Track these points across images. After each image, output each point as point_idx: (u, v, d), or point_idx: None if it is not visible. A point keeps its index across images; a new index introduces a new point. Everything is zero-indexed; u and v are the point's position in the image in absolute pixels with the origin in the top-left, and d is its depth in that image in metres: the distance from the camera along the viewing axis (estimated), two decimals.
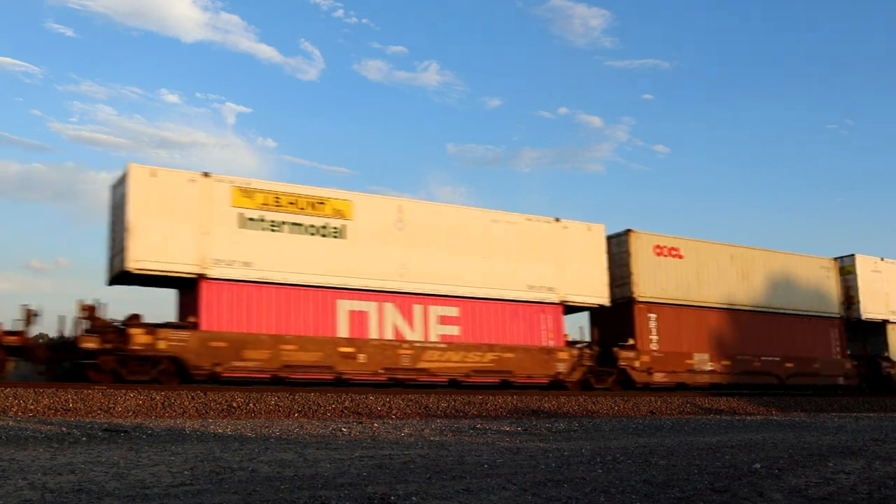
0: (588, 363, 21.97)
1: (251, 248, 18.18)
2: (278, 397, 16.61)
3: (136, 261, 17.05)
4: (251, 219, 18.31)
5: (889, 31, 69.48)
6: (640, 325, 23.10)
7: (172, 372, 17.31)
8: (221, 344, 17.41)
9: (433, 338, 20.02)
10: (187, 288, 18.35)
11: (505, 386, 20.59)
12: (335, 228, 19.19)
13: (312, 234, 18.91)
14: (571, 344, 22.18)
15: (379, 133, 72.20)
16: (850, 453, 9.39)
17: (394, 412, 16.82)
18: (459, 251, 20.63)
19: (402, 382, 19.44)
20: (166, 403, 15.30)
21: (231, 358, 17.48)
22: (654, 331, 23.33)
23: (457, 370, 19.99)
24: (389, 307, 19.62)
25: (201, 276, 17.62)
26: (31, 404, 14.19)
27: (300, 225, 18.81)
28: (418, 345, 19.63)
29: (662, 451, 9.44)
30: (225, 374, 17.50)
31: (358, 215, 19.53)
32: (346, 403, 16.93)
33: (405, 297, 19.85)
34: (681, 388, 23.46)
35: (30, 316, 16.91)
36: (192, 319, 17.63)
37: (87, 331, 17.04)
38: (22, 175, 60.20)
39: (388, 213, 19.98)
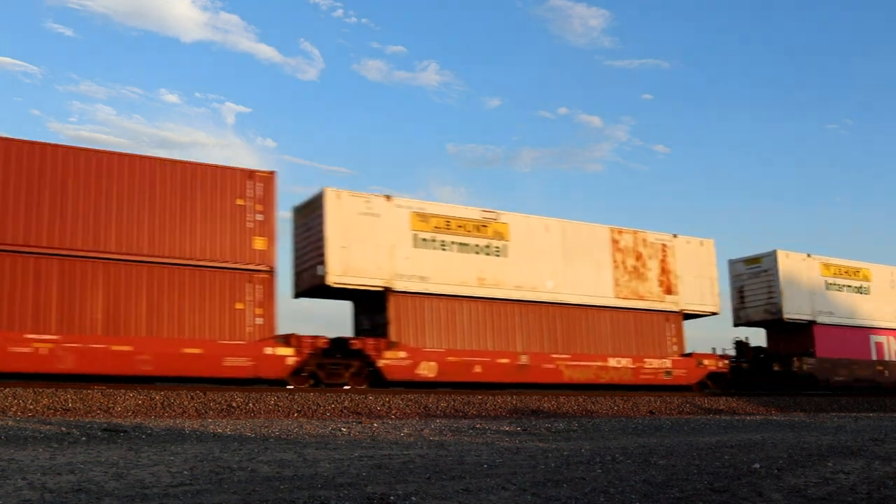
0: None
1: (833, 302, 28.20)
2: (277, 397, 16.60)
3: (787, 313, 26.99)
4: (829, 283, 28.43)
5: (889, 29, 69.52)
6: None
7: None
8: (828, 365, 27.10)
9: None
10: (777, 329, 28.09)
11: None
12: (866, 287, 29.54)
13: (855, 292, 29.14)
14: None
15: (378, 133, 72.22)
16: (849, 453, 9.40)
17: (393, 412, 16.81)
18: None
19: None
20: (165, 403, 15.29)
21: (832, 374, 27.30)
22: None
23: None
24: (892, 339, 29.83)
25: (813, 322, 27.53)
26: (31, 404, 14.18)
27: (850, 286, 29.02)
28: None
29: (662, 451, 9.45)
30: (832, 384, 27.09)
31: (874, 279, 29.89)
32: (346, 403, 16.93)
33: (892, 332, 29.99)
34: None
35: (745, 347, 26.87)
36: (811, 350, 27.01)
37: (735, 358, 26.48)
38: None
39: (886, 277, 30.34)
